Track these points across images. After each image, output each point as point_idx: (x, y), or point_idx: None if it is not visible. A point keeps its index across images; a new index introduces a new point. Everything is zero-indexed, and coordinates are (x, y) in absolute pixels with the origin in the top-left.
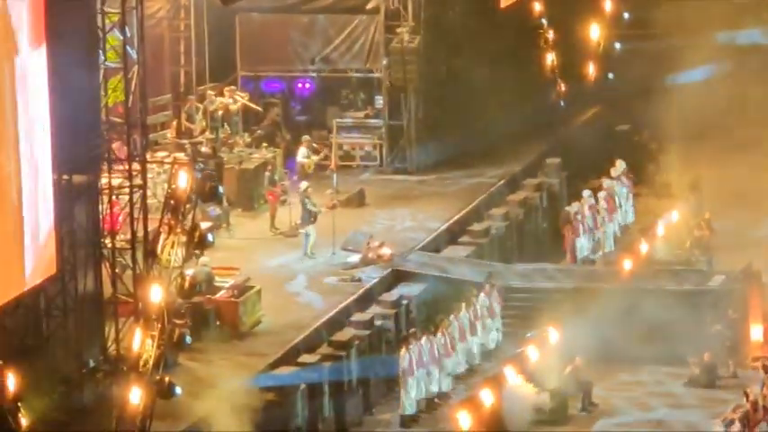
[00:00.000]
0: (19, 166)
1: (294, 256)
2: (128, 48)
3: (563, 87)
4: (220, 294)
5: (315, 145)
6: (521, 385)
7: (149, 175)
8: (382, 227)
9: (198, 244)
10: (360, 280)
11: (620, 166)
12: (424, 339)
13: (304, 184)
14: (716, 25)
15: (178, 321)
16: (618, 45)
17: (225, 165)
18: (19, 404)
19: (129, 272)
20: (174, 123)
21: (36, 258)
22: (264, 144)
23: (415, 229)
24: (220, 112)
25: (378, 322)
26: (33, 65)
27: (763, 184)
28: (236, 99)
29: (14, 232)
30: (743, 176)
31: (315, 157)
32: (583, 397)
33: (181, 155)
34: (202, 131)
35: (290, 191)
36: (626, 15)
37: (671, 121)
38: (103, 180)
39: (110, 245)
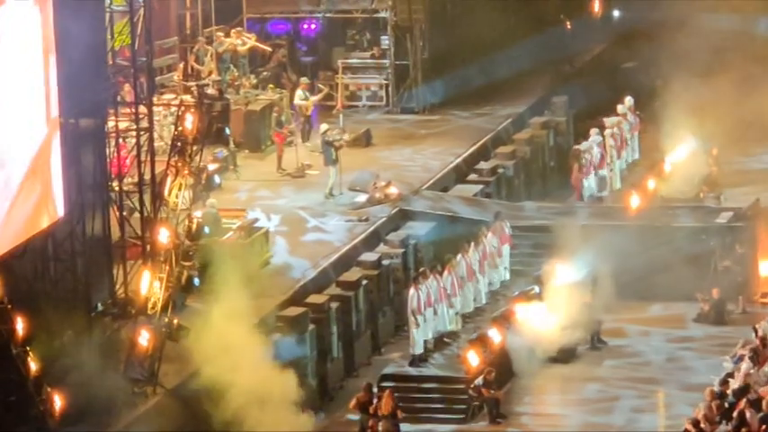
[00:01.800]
0: None
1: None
2: None
3: (569, 25)
4: (228, 236)
5: (320, 85)
6: (529, 323)
7: (156, 118)
8: (389, 166)
9: (205, 186)
10: (367, 219)
11: (627, 102)
12: (431, 278)
13: (324, 126)
14: None
15: (186, 264)
16: None
17: (231, 106)
18: (28, 348)
19: (136, 215)
20: (181, 66)
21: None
22: (271, 85)
23: (422, 169)
24: (229, 54)
25: (385, 262)
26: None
27: None
28: (244, 41)
29: None
30: (750, 111)
31: (313, 98)
32: (592, 334)
33: (187, 97)
34: (210, 73)
35: (296, 132)
36: None
37: (677, 58)
38: (110, 123)
39: (117, 188)
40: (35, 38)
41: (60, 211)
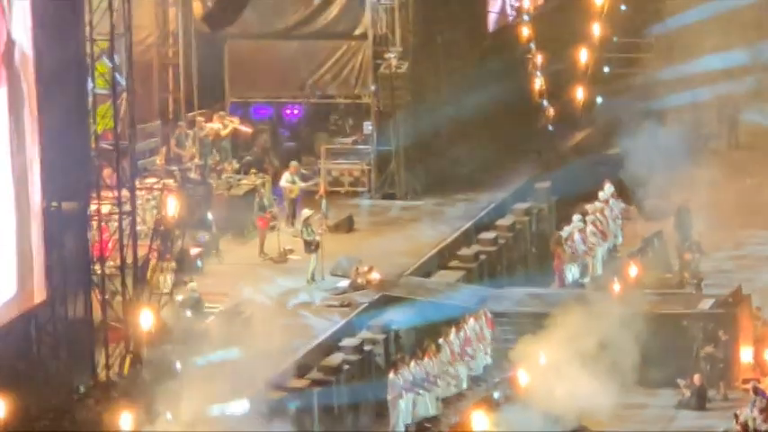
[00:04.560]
0: None
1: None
2: (116, 75)
3: (552, 112)
4: (210, 320)
5: (304, 171)
6: (511, 410)
7: (138, 202)
8: (371, 252)
9: (187, 270)
10: (349, 305)
11: (608, 189)
12: (412, 364)
13: (306, 212)
14: (705, 48)
15: (168, 347)
16: (606, 69)
17: (214, 191)
18: (9, 431)
19: (118, 298)
20: (163, 150)
21: None
22: (253, 170)
23: (404, 254)
24: (210, 138)
25: (367, 347)
26: None
27: (751, 206)
28: (225, 124)
29: None
30: (732, 198)
31: (301, 183)
32: (576, 421)
33: (170, 181)
34: (192, 158)
35: (279, 217)
36: (615, 39)
37: (660, 145)
38: (93, 207)
39: (99, 271)
40: None
41: None
